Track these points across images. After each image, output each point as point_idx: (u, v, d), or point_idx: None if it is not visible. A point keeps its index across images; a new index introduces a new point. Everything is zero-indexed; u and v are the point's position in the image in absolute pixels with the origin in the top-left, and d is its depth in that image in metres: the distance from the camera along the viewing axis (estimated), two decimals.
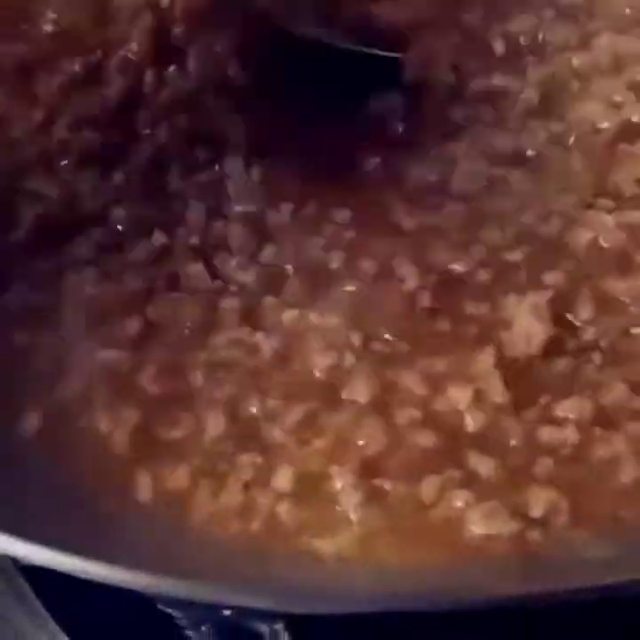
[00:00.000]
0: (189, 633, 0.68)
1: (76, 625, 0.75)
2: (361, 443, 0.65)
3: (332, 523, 0.63)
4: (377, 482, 0.64)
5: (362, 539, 0.62)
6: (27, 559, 0.60)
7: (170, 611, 0.65)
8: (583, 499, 0.63)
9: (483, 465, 0.64)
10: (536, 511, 0.62)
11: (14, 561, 0.77)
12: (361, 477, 0.64)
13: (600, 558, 0.60)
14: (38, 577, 0.76)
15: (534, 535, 0.61)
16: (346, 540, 0.62)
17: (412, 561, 0.61)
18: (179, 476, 0.66)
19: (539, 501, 0.62)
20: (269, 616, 0.58)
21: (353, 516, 0.63)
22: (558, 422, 0.65)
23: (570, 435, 0.65)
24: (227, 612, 0.60)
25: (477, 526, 0.62)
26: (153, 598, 0.63)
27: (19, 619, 0.77)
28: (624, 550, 0.60)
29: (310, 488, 0.64)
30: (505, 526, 0.61)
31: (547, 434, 0.65)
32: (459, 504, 0.62)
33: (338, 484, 0.64)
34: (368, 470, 0.64)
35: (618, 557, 0.60)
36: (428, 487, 0.63)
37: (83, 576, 0.53)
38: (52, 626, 0.76)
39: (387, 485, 0.64)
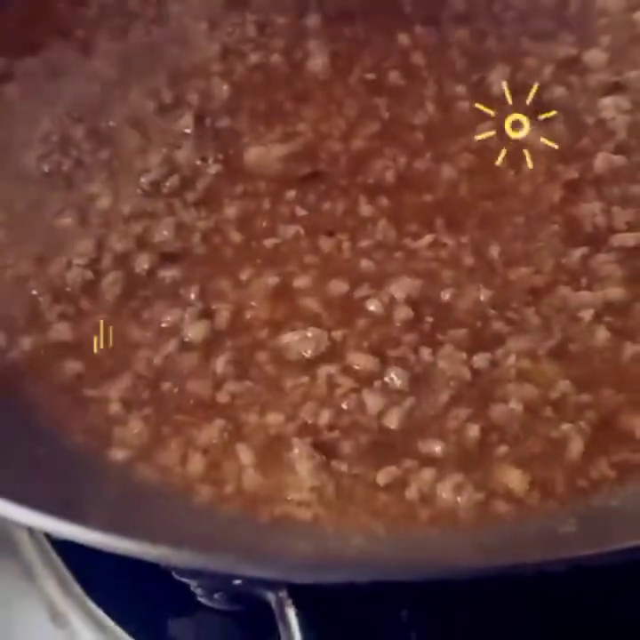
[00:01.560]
0: (203, 600, 0.69)
1: (102, 593, 0.76)
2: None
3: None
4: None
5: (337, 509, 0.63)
6: (58, 536, 0.61)
7: (186, 580, 0.65)
8: (542, 472, 0.63)
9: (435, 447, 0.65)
10: (500, 485, 0.63)
11: (47, 535, 0.78)
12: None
13: (567, 531, 0.60)
14: (68, 549, 0.78)
15: (502, 507, 0.62)
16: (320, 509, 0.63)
17: (397, 532, 0.62)
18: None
19: (502, 475, 0.63)
20: (275, 585, 0.58)
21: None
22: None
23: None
24: (237, 582, 0.61)
25: (448, 499, 0.63)
26: (171, 569, 0.63)
27: (50, 588, 0.78)
28: (590, 523, 0.60)
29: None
30: (472, 498, 0.62)
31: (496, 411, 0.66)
32: (425, 479, 0.63)
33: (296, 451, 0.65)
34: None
35: (584, 530, 0.60)
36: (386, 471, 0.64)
37: (109, 550, 0.54)
38: (80, 594, 0.77)
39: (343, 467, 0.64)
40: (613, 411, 0.66)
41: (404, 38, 0.86)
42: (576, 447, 0.64)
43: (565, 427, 0.65)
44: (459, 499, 0.62)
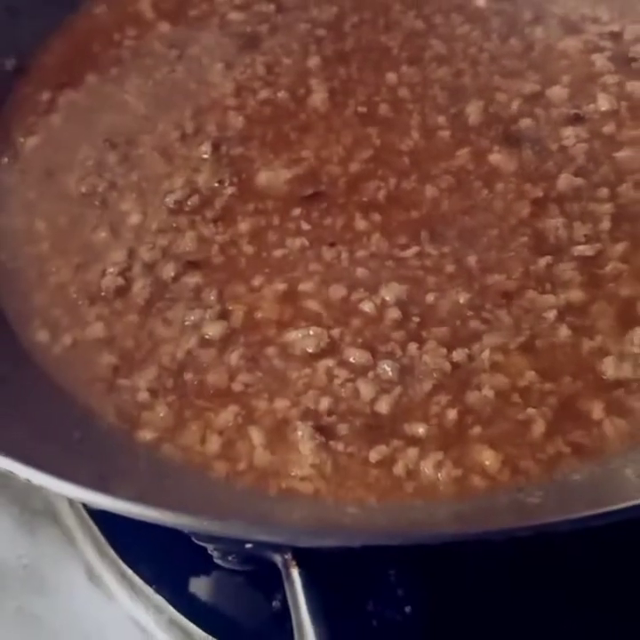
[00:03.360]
0: (219, 561, 0.68)
1: (132, 556, 0.76)
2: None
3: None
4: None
5: (335, 482, 0.63)
6: (94, 506, 0.61)
7: (204, 544, 0.65)
8: (512, 451, 0.63)
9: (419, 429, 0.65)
10: (475, 463, 0.63)
11: (84, 505, 0.78)
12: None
13: (533, 502, 0.60)
14: (103, 518, 0.77)
15: (477, 482, 0.62)
16: (321, 483, 0.63)
17: (386, 502, 0.62)
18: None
19: (477, 454, 0.63)
20: (281, 548, 0.58)
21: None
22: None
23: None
24: (248, 546, 0.61)
25: (430, 475, 0.63)
26: (191, 535, 0.63)
27: (87, 551, 0.78)
28: (553, 496, 0.60)
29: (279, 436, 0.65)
30: (451, 474, 0.62)
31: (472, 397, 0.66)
32: (410, 457, 0.63)
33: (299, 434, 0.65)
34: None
35: (548, 501, 0.60)
36: (377, 450, 0.64)
37: (137, 519, 0.54)
38: (114, 556, 0.77)
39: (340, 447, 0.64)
40: (572, 396, 0.66)
41: (392, 76, 0.85)
42: (538, 428, 0.64)
43: (530, 410, 0.65)
44: (439, 474, 0.62)
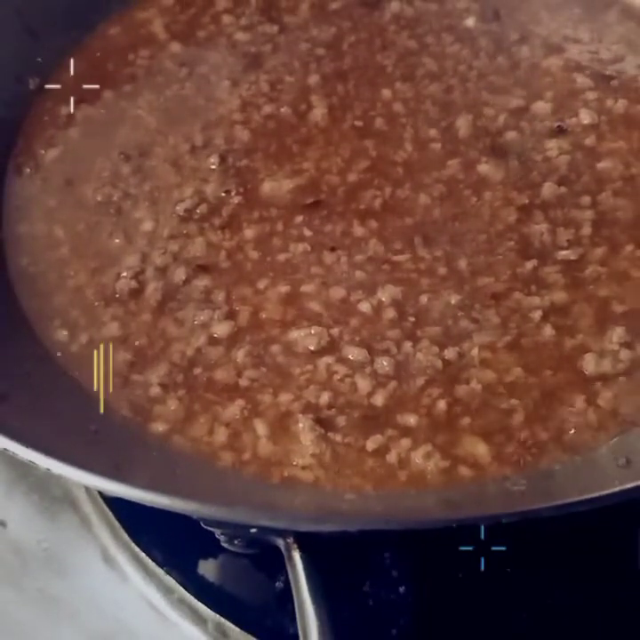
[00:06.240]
0: (225, 545, 0.68)
1: (145, 540, 0.76)
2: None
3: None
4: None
5: (334, 471, 0.63)
6: (109, 493, 0.61)
7: (211, 529, 0.65)
8: (500, 442, 0.64)
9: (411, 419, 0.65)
10: (465, 453, 0.63)
11: (100, 492, 0.78)
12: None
13: (518, 490, 0.60)
14: (118, 504, 0.77)
15: (465, 471, 0.62)
16: (320, 471, 0.63)
17: (381, 490, 0.62)
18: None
19: (467, 444, 0.63)
20: (284, 532, 0.58)
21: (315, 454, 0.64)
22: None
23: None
24: (253, 530, 0.61)
25: (420, 464, 0.63)
26: (200, 520, 0.63)
27: (103, 536, 0.78)
28: (537, 484, 0.61)
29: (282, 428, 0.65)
30: (439, 465, 0.63)
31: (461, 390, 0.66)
32: (403, 447, 0.64)
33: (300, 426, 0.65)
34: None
35: (532, 488, 0.60)
36: (373, 439, 0.64)
37: (150, 505, 0.54)
38: (128, 540, 0.77)
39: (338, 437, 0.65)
40: (555, 390, 0.66)
41: (386, 92, 0.85)
42: (518, 417, 0.65)
43: (513, 401, 0.65)
44: (428, 464, 0.63)
